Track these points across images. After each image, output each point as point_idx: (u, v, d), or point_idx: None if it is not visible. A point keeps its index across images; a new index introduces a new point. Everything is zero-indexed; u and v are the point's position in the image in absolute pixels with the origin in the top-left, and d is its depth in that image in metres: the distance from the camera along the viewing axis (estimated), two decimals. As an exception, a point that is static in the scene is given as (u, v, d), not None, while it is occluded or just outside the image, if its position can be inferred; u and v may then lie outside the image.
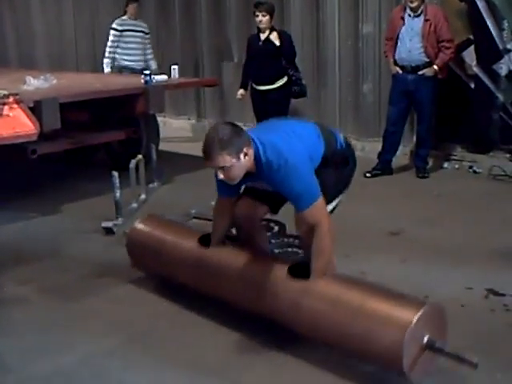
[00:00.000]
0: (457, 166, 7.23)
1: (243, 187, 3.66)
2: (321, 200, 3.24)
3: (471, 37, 7.09)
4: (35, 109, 5.47)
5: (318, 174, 3.34)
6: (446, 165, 7.28)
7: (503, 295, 3.99)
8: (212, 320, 3.72)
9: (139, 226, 4.29)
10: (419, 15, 6.68)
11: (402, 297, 3.11)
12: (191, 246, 3.87)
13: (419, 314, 2.90)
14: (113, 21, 8.63)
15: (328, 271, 3.33)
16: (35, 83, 6.68)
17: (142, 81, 6.59)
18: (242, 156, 3.17)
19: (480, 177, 6.97)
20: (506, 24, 6.81)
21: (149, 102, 6.36)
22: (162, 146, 7.62)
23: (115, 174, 5.33)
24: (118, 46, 8.53)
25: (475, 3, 6.93)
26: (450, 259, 4.57)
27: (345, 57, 7.99)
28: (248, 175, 3.33)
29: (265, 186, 3.45)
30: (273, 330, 3.47)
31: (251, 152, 3.21)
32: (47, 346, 3.52)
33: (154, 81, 6.64)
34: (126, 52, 8.57)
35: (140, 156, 5.96)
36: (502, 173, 6.82)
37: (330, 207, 3.52)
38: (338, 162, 3.57)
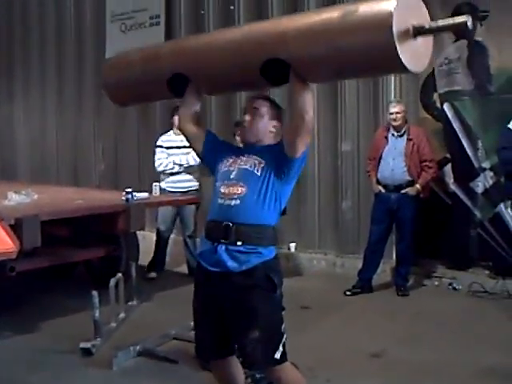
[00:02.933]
0: (437, 283, 7.25)
1: None
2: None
3: (448, 155, 7.25)
4: (16, 226, 5.42)
5: (246, 307, 3.25)
6: (426, 282, 7.30)
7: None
8: None
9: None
10: (402, 135, 6.86)
11: None
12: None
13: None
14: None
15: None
16: (16, 198, 6.67)
17: (123, 198, 6.62)
18: (272, 122, 3.44)
19: (460, 294, 6.97)
20: (480, 144, 7.00)
21: (130, 220, 6.37)
22: (142, 261, 7.61)
23: (95, 293, 5.27)
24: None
25: (451, 124, 7.14)
26: (433, 382, 4.52)
27: (324, 174, 8.12)
28: (239, 150, 3.54)
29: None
30: None
31: (277, 134, 3.44)
32: None
33: (135, 198, 6.66)
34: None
35: (119, 275, 5.92)
36: (482, 289, 6.83)
37: (279, 352, 3.28)
38: (265, 285, 3.28)
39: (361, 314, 6.33)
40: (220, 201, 3.35)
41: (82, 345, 5.16)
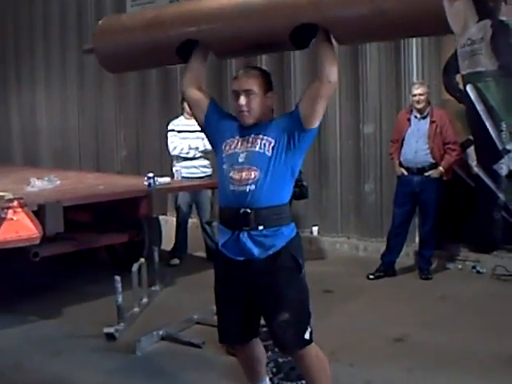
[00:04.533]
0: (460, 267, 7.20)
1: None
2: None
3: (471, 137, 7.18)
4: (39, 212, 5.47)
5: (276, 288, 3.26)
6: (449, 265, 7.25)
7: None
8: None
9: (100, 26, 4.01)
10: (425, 117, 6.80)
11: None
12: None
13: None
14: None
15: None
16: (39, 184, 6.72)
17: (145, 183, 6.63)
18: (267, 94, 3.33)
19: (483, 277, 6.93)
20: (504, 125, 6.91)
21: (152, 205, 6.37)
22: (165, 245, 7.64)
23: (117, 278, 5.30)
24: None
25: (474, 105, 7.05)
26: (458, 367, 4.49)
27: (346, 157, 8.09)
28: (243, 128, 3.37)
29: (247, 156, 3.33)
30: None
31: (272, 104, 3.39)
32: None
33: (157, 183, 6.66)
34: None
35: (142, 259, 5.94)
36: (506, 273, 6.79)
37: (307, 333, 3.31)
38: (291, 266, 3.30)
39: (384, 297, 6.30)
40: (232, 187, 3.28)
41: (106, 330, 5.19)
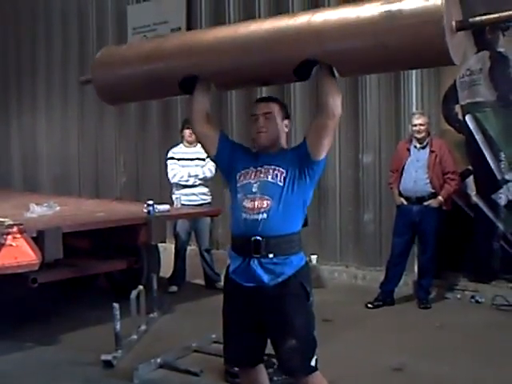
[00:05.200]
0: (459, 296, 7.19)
1: None
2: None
3: (470, 167, 7.21)
4: (38, 238, 5.48)
5: (284, 314, 3.29)
6: (448, 295, 7.24)
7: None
8: None
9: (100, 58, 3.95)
10: (425, 147, 6.85)
11: None
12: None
13: None
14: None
15: None
16: (39, 210, 6.73)
17: (145, 210, 6.64)
18: (284, 121, 3.46)
19: (482, 307, 6.91)
20: (502, 155, 6.94)
21: (151, 232, 6.39)
22: (163, 273, 7.63)
23: (116, 305, 5.28)
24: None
25: (473, 135, 7.09)
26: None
27: (345, 186, 8.10)
28: (256, 157, 3.46)
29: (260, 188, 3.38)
30: None
31: (286, 134, 3.49)
32: None
33: (156, 211, 6.67)
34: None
35: (141, 287, 5.93)
36: (505, 303, 6.77)
37: (314, 360, 3.36)
38: (299, 293, 3.35)
39: (383, 326, 6.29)
40: (244, 215, 3.34)
41: (104, 357, 5.17)
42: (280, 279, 3.30)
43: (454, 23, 2.99)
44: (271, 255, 3.28)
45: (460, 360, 5.24)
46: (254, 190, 3.36)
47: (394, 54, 3.02)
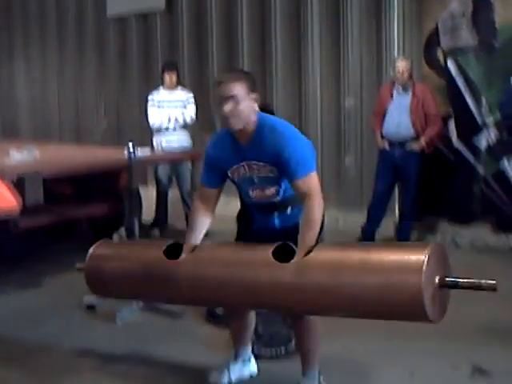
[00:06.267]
0: (439, 239, 7.25)
1: None
2: (315, 173, 3.29)
3: (451, 111, 7.21)
4: (18, 184, 5.44)
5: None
6: (428, 237, 7.31)
7: (490, 374, 3.97)
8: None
9: (96, 251, 4.08)
10: (407, 91, 6.82)
11: (404, 244, 3.12)
12: (159, 260, 3.60)
13: (428, 253, 2.91)
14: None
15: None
16: (18, 156, 6.68)
17: (125, 154, 6.59)
18: (252, 96, 3.28)
19: (462, 249, 6.99)
20: (483, 100, 6.95)
21: (132, 176, 6.36)
22: (145, 217, 7.64)
23: (97, 249, 5.29)
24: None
25: (454, 80, 7.08)
26: (436, 335, 4.52)
27: (327, 131, 8.10)
28: (241, 147, 3.38)
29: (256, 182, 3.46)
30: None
31: (256, 105, 3.31)
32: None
33: (137, 155, 6.62)
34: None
35: (122, 230, 5.93)
36: (484, 245, 6.86)
37: None
38: None
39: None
40: (255, 200, 3.52)
41: (86, 300, 5.19)
42: (291, 223, 3.42)
43: (437, 280, 3.01)
44: (289, 209, 3.47)
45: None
46: (255, 181, 3.45)
47: (367, 312, 3.11)
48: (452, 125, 7.23)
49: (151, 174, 7.98)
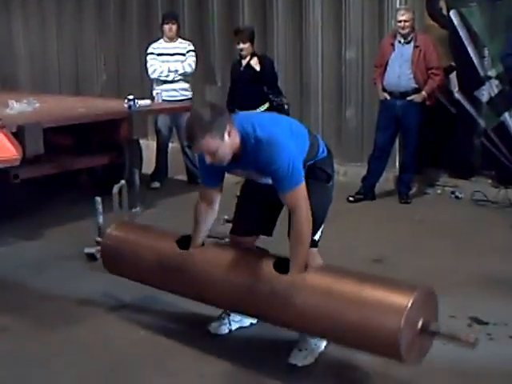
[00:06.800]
0: (439, 192, 7.27)
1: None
2: (302, 185, 3.27)
3: (453, 63, 7.16)
4: (18, 134, 5.45)
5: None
6: (428, 190, 7.32)
7: (486, 323, 4.00)
8: (194, 348, 3.69)
9: (114, 232, 4.21)
10: (409, 42, 6.78)
11: (394, 283, 3.14)
12: (170, 250, 3.80)
13: (413, 297, 2.92)
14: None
15: (314, 262, 3.45)
16: (18, 107, 6.66)
17: (126, 105, 6.58)
18: (226, 136, 3.18)
19: (462, 202, 7.00)
20: (486, 52, 6.89)
21: (132, 127, 6.35)
22: (146, 170, 7.65)
23: (98, 199, 5.30)
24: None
25: (457, 31, 7.02)
26: (434, 286, 4.56)
27: (328, 82, 8.04)
28: (233, 160, 3.34)
29: (253, 176, 3.54)
30: (260, 361, 3.45)
31: (234, 131, 3.24)
32: (23, 377, 3.49)
33: (137, 106, 6.62)
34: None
35: (123, 181, 5.92)
36: (484, 198, 6.86)
37: (317, 235, 3.56)
38: (321, 176, 3.57)
39: (363, 220, 6.39)
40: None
41: (87, 250, 5.22)
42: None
43: (420, 324, 3.00)
44: None
45: (438, 252, 5.34)
46: (254, 177, 3.55)
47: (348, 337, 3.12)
48: (454, 77, 7.17)
49: (152, 128, 7.97)
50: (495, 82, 6.90)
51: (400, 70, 6.77)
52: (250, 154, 3.27)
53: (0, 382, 3.45)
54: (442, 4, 7.17)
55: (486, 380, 3.39)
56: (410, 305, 2.89)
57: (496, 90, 6.91)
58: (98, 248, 5.21)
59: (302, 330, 3.40)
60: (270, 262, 3.42)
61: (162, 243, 3.90)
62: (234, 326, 3.94)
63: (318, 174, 3.53)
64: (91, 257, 5.19)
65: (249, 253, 3.65)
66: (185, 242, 3.78)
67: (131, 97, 6.59)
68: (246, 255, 3.60)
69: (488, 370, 3.49)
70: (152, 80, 7.74)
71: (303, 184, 3.27)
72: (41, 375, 3.51)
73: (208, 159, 3.23)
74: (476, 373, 3.46)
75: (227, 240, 3.92)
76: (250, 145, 3.25)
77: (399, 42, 6.81)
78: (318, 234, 3.57)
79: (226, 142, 3.19)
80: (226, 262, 3.55)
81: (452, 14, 7.09)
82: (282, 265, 3.36)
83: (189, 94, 7.72)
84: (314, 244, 3.50)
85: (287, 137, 3.32)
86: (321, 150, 3.58)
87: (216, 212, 3.70)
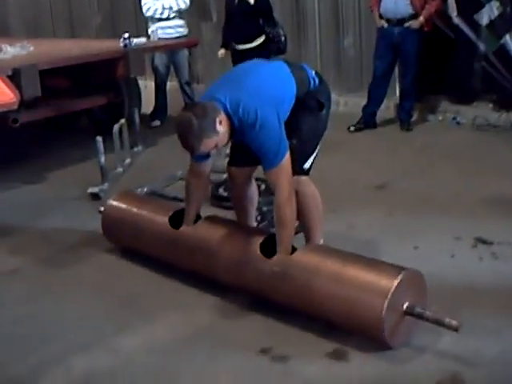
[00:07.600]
0: (440, 118, 7.24)
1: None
2: (286, 163, 3.26)
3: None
4: (14, 77, 5.40)
5: (295, 117, 3.43)
6: (429, 117, 7.29)
7: (491, 243, 4.02)
8: (197, 286, 3.71)
9: (114, 202, 4.23)
10: (406, -33, 6.64)
11: (381, 264, 3.14)
12: (165, 226, 3.86)
13: (398, 280, 2.92)
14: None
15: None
16: (12, 51, 6.60)
17: (121, 44, 6.52)
18: (218, 127, 3.19)
19: (463, 128, 6.98)
20: (486, -26, 6.78)
21: (129, 65, 6.30)
22: (145, 110, 7.62)
23: (99, 139, 5.30)
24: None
25: (455, -47, 6.90)
26: (438, 210, 4.60)
27: (324, 11, 7.93)
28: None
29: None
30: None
31: (224, 117, 3.23)
32: (36, 314, 3.54)
33: (132, 44, 6.56)
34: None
35: (123, 120, 5.92)
36: (485, 122, 6.83)
37: (308, 163, 3.57)
38: (313, 105, 3.55)
39: (365, 148, 6.39)
40: None
41: (90, 190, 5.25)
42: None
43: (404, 307, 2.99)
44: None
45: (441, 178, 5.34)
46: None
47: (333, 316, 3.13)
48: (452, 1, 7.05)
49: (149, 67, 7.91)
50: (495, 4, 6.79)
51: (396, -4, 6.67)
52: (238, 131, 3.29)
53: (16, 319, 3.49)
54: None
55: (490, 297, 3.41)
56: (394, 287, 2.91)
57: (496, 12, 6.81)
58: (102, 187, 5.26)
59: (287, 306, 3.38)
60: (257, 242, 3.43)
61: (159, 217, 3.93)
62: None
63: (308, 104, 3.52)
64: (95, 196, 5.21)
65: (237, 231, 3.68)
66: (178, 216, 3.81)
67: (126, 35, 6.54)
68: (234, 233, 3.63)
69: (493, 287, 3.52)
70: (147, 18, 7.66)
71: (287, 161, 3.26)
72: (54, 312, 3.55)
73: (212, 152, 3.36)
74: (481, 290, 3.48)
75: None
76: (237, 125, 3.26)
77: (396, -34, 6.69)
78: (309, 161, 3.57)
79: (221, 132, 3.22)
80: (217, 240, 3.60)
81: None
82: (270, 244, 3.38)
83: (185, 30, 7.64)
84: (304, 172, 3.53)
85: (272, 106, 3.27)
86: (312, 82, 3.54)
87: (207, 185, 3.81)
